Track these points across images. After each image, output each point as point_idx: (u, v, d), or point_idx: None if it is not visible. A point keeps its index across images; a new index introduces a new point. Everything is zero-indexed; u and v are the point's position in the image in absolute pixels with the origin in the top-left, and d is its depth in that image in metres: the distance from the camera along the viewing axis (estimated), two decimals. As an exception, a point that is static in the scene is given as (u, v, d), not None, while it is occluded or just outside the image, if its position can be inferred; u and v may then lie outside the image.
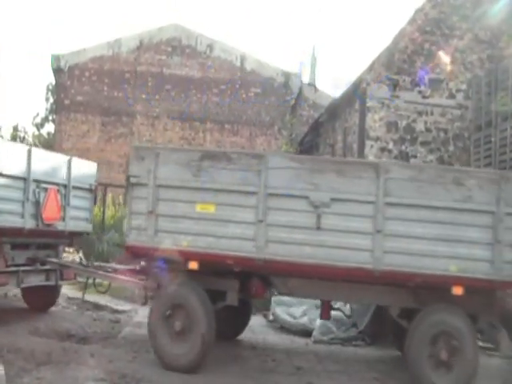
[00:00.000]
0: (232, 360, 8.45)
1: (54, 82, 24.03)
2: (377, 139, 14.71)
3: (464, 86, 14.73)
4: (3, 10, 65.22)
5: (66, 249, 10.60)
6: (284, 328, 10.63)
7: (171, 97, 21.97)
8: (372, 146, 14.67)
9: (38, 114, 29.86)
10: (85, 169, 10.68)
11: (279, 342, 9.92)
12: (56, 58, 21.71)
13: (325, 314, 8.57)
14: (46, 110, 29.43)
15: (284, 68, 22.34)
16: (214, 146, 21.42)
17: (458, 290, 7.25)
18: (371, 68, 14.90)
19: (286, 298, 11.40)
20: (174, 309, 7.88)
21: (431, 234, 7.29)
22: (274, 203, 7.58)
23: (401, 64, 14.82)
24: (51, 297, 10.58)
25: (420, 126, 14.71)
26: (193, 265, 7.83)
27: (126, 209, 8.35)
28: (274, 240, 7.57)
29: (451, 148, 14.66)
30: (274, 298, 11.46)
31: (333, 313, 9.57)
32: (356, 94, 15.43)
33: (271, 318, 10.91)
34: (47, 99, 29.22)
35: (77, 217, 10.32)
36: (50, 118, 28.53)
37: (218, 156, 8.01)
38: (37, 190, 9.40)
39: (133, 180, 8.01)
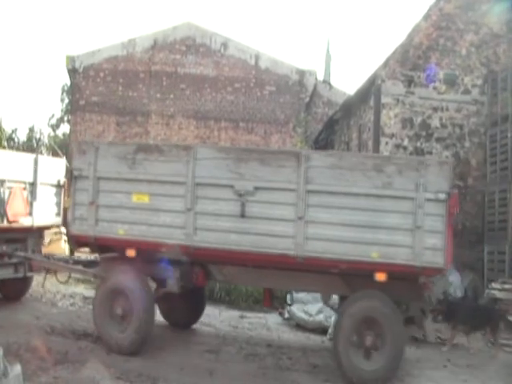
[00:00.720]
0: (248, 358, 8.43)
1: (69, 83, 24.12)
2: (392, 136, 14.64)
3: (480, 81, 14.63)
4: (19, 12, 65.87)
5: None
6: (300, 326, 10.61)
7: (186, 96, 21.96)
8: (387, 143, 14.61)
9: (53, 115, 29.98)
10: (53, 166, 11.15)
11: (295, 339, 9.90)
12: (71, 59, 21.79)
13: (266, 301, 8.91)
14: (62, 110, 29.51)
15: (299, 66, 22.26)
16: (229, 144, 21.41)
17: (380, 276, 7.32)
18: (386, 64, 14.83)
19: (301, 296, 11.40)
20: (115, 294, 8.24)
21: (352, 220, 7.37)
22: (202, 192, 7.88)
23: (416, 60, 14.73)
24: (22, 287, 11.00)
25: (435, 122, 14.62)
26: (130, 252, 8.25)
27: (70, 200, 8.71)
28: (202, 228, 7.85)
29: (467, 144, 14.56)
30: (289, 296, 11.49)
31: None
32: (371, 90, 15.35)
33: (287, 315, 10.89)
34: (62, 100, 29.29)
35: (45, 211, 10.69)
36: (66, 118, 28.60)
37: (150, 149, 8.41)
38: (1, 189, 9.90)
39: (75, 173, 8.45)
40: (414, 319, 8.47)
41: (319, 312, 10.63)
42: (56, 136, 29.52)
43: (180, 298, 9.01)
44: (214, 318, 10.94)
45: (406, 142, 14.60)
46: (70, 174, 8.63)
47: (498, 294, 10.56)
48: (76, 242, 8.94)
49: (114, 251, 8.70)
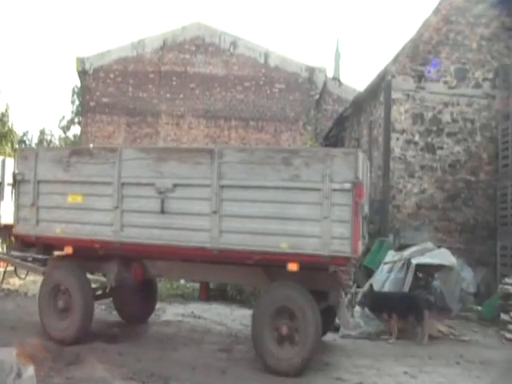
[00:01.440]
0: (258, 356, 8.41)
1: (79, 85, 24.22)
2: (402, 132, 14.57)
3: (491, 75, 14.52)
4: (29, 15, 66.30)
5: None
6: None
7: (195, 95, 21.99)
8: (398, 139, 14.54)
9: (63, 117, 30.07)
10: None
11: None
12: (81, 61, 21.89)
13: (202, 294, 9.35)
14: (72, 112, 29.60)
15: (308, 63, 22.21)
16: (239, 143, 21.40)
17: (292, 267, 7.47)
18: (396, 60, 14.76)
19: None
20: (57, 289, 8.81)
21: (263, 212, 7.56)
22: (127, 191, 8.29)
23: (426, 55, 14.65)
24: None
25: (446, 117, 14.53)
26: (68, 249, 8.82)
27: (15, 202, 9.26)
28: (128, 224, 8.28)
29: (478, 138, 14.45)
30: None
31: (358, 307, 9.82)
32: (381, 86, 15.28)
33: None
34: (73, 102, 29.40)
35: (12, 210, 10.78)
36: (76, 120, 28.70)
37: (82, 152, 8.91)
38: None
39: (18, 177, 9.07)
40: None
41: (331, 309, 10.62)
42: (67, 138, 29.60)
43: (131, 293, 9.68)
44: (226, 316, 10.91)
45: (416, 138, 14.52)
46: (14, 179, 9.18)
47: (512, 289, 10.51)
48: (21, 241, 9.47)
49: (55, 249, 9.41)
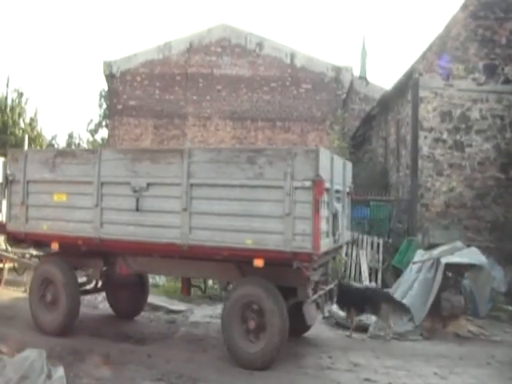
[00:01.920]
0: (287, 357, 8.36)
1: (106, 88, 24.44)
2: (431, 130, 14.44)
3: (521, 71, 14.29)
4: (57, 20, 67.24)
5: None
6: (339, 324, 10.47)
7: (222, 97, 22.02)
8: (426, 137, 14.41)
9: (91, 120, 30.34)
10: None
11: (335, 338, 9.78)
12: (108, 65, 22.08)
13: (184, 290, 9.38)
14: (100, 115, 29.83)
15: (335, 62, 22.09)
16: (266, 143, 21.39)
17: (258, 262, 7.64)
18: (423, 57, 14.64)
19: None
20: (45, 283, 9.32)
21: (230, 210, 7.83)
22: (106, 190, 8.73)
23: (453, 52, 14.49)
24: None
25: (475, 114, 14.35)
26: (54, 245, 9.35)
27: (7, 201, 9.84)
28: (107, 221, 8.70)
29: (508, 135, 14.27)
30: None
31: None
32: (408, 84, 15.15)
33: (326, 314, 10.77)
34: (100, 105, 29.60)
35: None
36: (104, 123, 28.94)
37: (66, 153, 9.50)
38: None
39: (10, 178, 9.64)
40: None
41: (359, 310, 10.54)
42: (95, 141, 29.89)
43: (124, 289, 10.23)
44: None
45: (445, 136, 14.38)
46: (6, 179, 9.77)
47: (543, 288, 10.37)
48: (12, 238, 10.11)
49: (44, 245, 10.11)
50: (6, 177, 9.82)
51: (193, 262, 8.58)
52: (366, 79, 24.57)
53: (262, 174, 7.67)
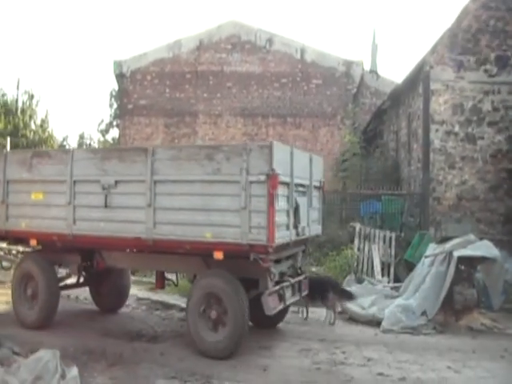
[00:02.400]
0: (301, 353, 8.36)
1: (117, 88, 24.54)
2: (442, 123, 14.34)
3: (533, 61, 14.14)
4: (67, 21, 67.55)
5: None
6: (352, 319, 10.45)
7: (232, 94, 22.07)
8: (437, 130, 14.32)
9: (102, 121, 30.55)
10: None
11: (348, 333, 9.72)
12: (118, 64, 22.19)
13: (158, 284, 9.65)
14: (110, 115, 30.02)
15: (345, 57, 22.02)
16: (277, 140, 21.40)
17: (218, 255, 7.95)
18: (434, 50, 14.52)
19: (353, 289, 11.26)
20: (26, 279, 9.74)
21: (191, 205, 8.10)
22: (79, 188, 9.07)
23: (465, 43, 14.36)
24: None
25: (487, 106, 14.23)
26: (33, 242, 9.90)
27: None
28: (79, 218, 9.04)
29: (521, 126, 14.11)
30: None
31: (402, 302, 9.80)
32: (419, 77, 15.06)
33: (339, 309, 10.76)
34: (111, 105, 29.79)
35: None
36: (115, 123, 29.09)
37: (42, 154, 9.93)
38: None
39: None
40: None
41: (372, 305, 10.50)
42: (106, 141, 30.07)
43: (106, 283, 10.63)
44: (266, 314, 10.88)
45: (456, 128, 14.28)
46: None
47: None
48: None
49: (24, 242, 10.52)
50: None
51: (162, 256, 8.92)
52: (376, 73, 24.41)
53: (219, 169, 7.94)
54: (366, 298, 10.74)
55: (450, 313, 9.98)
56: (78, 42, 72.60)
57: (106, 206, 8.70)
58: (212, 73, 22.19)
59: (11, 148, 18.68)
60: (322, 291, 10.11)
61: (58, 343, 7.92)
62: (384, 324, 9.78)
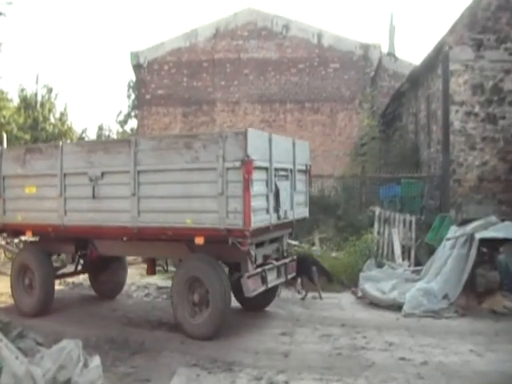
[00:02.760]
0: (322, 339, 8.35)
1: (134, 79, 24.60)
2: (462, 104, 14.13)
3: (557, 36, 13.85)
4: (84, 15, 67.82)
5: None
6: (373, 304, 10.39)
7: (250, 81, 21.99)
8: (457, 111, 14.12)
9: (120, 112, 30.65)
10: None
11: (369, 317, 9.67)
12: (135, 55, 22.23)
13: (149, 270, 10.05)
14: (128, 106, 30.12)
15: (363, 40, 21.80)
16: (295, 126, 21.33)
17: (199, 240, 8.23)
18: (453, 30, 14.26)
19: (373, 273, 11.21)
20: (24, 269, 10.21)
21: (172, 192, 8.41)
22: (69, 181, 9.45)
23: (484, 22, 14.09)
24: None
25: (508, 85, 13.99)
26: (28, 234, 10.45)
27: None
28: (70, 210, 9.45)
29: (543, 105, 13.85)
30: (362, 274, 11.34)
31: (423, 285, 10.04)
32: (438, 58, 14.84)
33: (360, 294, 10.72)
34: (129, 96, 29.88)
35: None
36: (133, 114, 29.18)
37: (34, 149, 10.32)
38: None
39: None
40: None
41: (393, 289, 10.41)
42: (124, 132, 30.21)
43: (103, 270, 11.14)
44: (286, 300, 10.89)
45: (477, 109, 14.07)
46: None
47: None
48: None
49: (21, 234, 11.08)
50: None
51: (151, 243, 9.25)
52: (394, 56, 24.12)
53: (197, 157, 8.20)
54: (387, 283, 10.68)
55: (472, 296, 9.87)
56: (94, 34, 72.88)
57: (93, 197, 9.08)
58: (229, 60, 22.12)
59: (32, 142, 18.94)
60: (305, 269, 10.53)
61: (81, 333, 7.97)
62: (405, 308, 9.70)
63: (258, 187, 8.11)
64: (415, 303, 9.72)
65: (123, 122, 30.29)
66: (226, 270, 9.10)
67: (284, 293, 11.11)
